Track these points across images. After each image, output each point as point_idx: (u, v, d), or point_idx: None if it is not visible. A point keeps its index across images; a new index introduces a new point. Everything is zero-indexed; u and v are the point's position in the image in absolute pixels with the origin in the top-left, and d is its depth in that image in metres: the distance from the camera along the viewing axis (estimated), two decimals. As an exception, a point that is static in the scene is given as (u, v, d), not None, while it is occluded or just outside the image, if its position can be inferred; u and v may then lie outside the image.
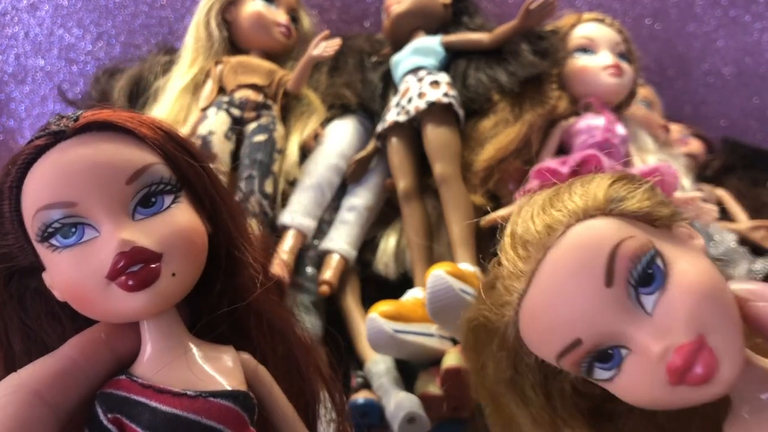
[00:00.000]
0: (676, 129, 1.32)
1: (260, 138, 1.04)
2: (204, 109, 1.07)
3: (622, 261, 0.41)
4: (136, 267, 0.36)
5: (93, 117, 0.39)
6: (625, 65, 1.08)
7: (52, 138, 0.38)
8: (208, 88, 1.10)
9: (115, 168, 0.37)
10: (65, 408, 0.36)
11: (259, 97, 1.09)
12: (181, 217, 0.38)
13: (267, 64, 1.14)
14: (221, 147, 1.03)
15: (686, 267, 0.42)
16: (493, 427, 0.56)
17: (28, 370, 0.36)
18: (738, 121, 1.33)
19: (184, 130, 1.04)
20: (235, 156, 1.04)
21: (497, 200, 1.03)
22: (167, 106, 1.09)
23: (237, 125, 1.06)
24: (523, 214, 0.47)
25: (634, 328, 0.41)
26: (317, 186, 1.03)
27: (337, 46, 1.10)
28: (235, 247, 0.43)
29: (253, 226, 0.47)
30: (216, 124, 1.04)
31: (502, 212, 0.99)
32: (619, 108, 1.10)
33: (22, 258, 0.40)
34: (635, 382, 0.41)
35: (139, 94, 1.18)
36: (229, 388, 0.37)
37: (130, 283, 0.36)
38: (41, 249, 0.38)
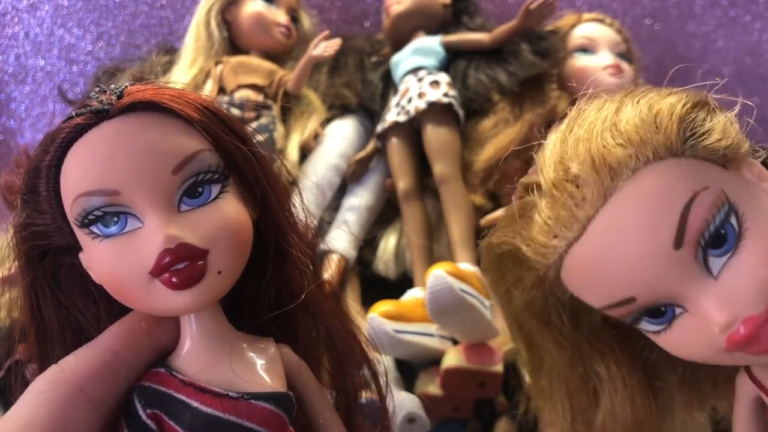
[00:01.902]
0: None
1: (260, 138, 1.04)
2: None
3: (695, 220, 0.36)
4: (181, 264, 0.34)
5: (138, 96, 0.36)
6: (624, 65, 1.08)
7: (94, 117, 0.36)
8: (208, 89, 1.10)
9: (162, 156, 0.35)
10: (108, 402, 0.35)
11: (259, 97, 1.09)
12: (229, 209, 0.36)
13: (267, 64, 1.14)
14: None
15: (760, 228, 0.37)
16: (519, 345, 0.52)
17: (69, 364, 0.35)
18: (738, 121, 1.32)
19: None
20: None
21: (497, 200, 1.03)
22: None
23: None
24: (576, 136, 0.41)
25: (696, 291, 0.37)
26: (317, 186, 1.03)
27: (337, 47, 1.10)
28: (284, 239, 0.41)
29: (301, 216, 0.44)
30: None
31: (502, 212, 1.00)
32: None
33: (59, 238, 0.38)
34: (686, 341, 0.38)
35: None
36: (271, 390, 0.36)
37: (175, 280, 0.34)
38: (80, 233, 0.36)
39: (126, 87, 0.38)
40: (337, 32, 1.20)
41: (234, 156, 0.38)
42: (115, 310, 0.39)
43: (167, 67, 1.17)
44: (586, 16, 1.14)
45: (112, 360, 0.35)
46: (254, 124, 1.06)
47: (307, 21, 1.24)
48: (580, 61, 1.09)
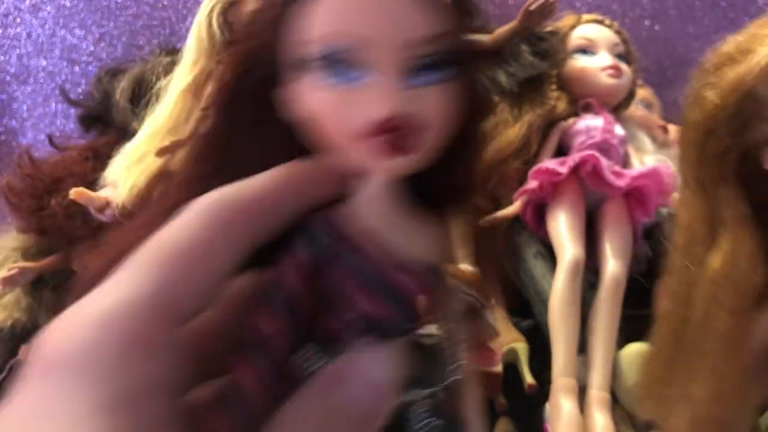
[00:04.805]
0: (674, 130, 1.32)
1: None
2: (206, 110, 1.07)
3: None
4: (396, 133, 0.34)
5: None
6: (624, 66, 1.09)
7: None
8: (210, 90, 1.11)
9: (415, 26, 0.34)
10: (261, 236, 0.33)
11: (260, 98, 1.09)
12: (450, 95, 0.36)
13: (268, 65, 1.14)
14: (223, 147, 1.03)
15: None
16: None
17: (224, 194, 0.33)
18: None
19: (186, 132, 1.05)
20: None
21: (497, 200, 1.04)
22: (169, 106, 1.10)
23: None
24: None
25: None
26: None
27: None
28: (473, 147, 0.41)
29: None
30: (217, 124, 1.05)
31: (502, 213, 1.00)
32: (617, 109, 1.11)
33: (268, 67, 0.37)
34: None
35: (142, 95, 1.19)
36: (426, 259, 0.37)
37: (386, 147, 0.34)
38: (306, 72, 0.35)
39: None
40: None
41: (464, 50, 0.38)
42: (289, 149, 0.38)
43: (169, 68, 1.18)
44: (586, 17, 1.15)
45: (277, 199, 0.34)
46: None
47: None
48: (579, 62, 1.09)
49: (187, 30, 1.19)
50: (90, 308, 0.25)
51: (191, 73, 1.13)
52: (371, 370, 0.30)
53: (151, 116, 1.11)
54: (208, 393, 0.29)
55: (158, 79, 1.17)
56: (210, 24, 1.15)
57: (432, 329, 0.37)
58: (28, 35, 1.39)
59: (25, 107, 1.37)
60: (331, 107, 0.34)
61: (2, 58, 1.38)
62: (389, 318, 0.34)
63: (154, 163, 1.04)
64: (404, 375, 0.32)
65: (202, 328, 0.30)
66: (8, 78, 1.37)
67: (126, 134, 1.12)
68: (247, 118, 0.39)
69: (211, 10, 1.16)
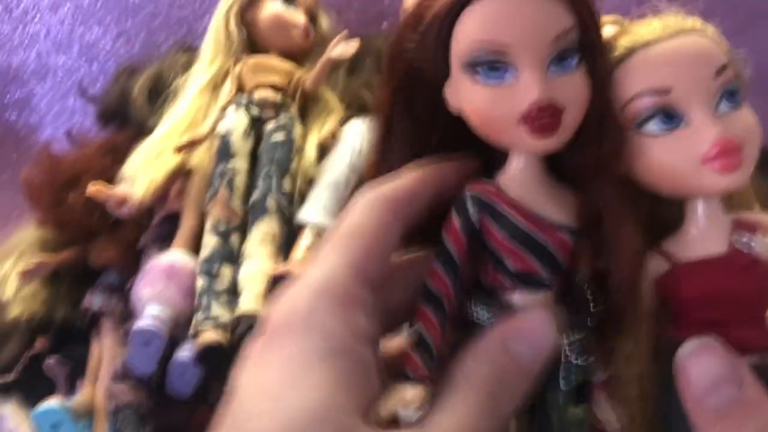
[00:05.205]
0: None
1: (278, 137, 1.05)
2: (223, 109, 1.08)
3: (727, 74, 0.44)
4: (545, 116, 0.39)
5: None
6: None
7: None
8: (227, 88, 1.11)
9: (550, 24, 0.40)
10: (411, 219, 0.39)
11: (277, 97, 1.10)
12: (582, 81, 0.41)
13: (285, 64, 1.14)
14: (240, 146, 1.04)
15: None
16: None
17: (382, 189, 0.39)
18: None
19: (203, 129, 1.06)
20: (254, 155, 1.05)
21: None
22: (187, 104, 1.11)
23: (256, 124, 1.07)
24: None
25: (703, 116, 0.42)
26: (335, 184, 1.04)
27: (356, 48, 1.11)
28: (605, 127, 0.44)
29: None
30: (235, 123, 1.06)
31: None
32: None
33: (434, 70, 0.42)
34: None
35: (159, 93, 1.19)
36: (569, 224, 0.41)
37: (538, 129, 0.39)
38: (461, 73, 0.41)
39: None
40: (356, 33, 1.20)
41: (588, 43, 0.42)
42: (438, 137, 0.44)
43: (187, 66, 1.19)
44: (604, 19, 1.14)
45: (419, 194, 0.40)
46: (272, 123, 1.07)
47: (325, 22, 1.25)
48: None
49: (205, 28, 1.20)
50: (305, 283, 0.33)
51: (209, 70, 1.13)
52: (534, 329, 0.36)
53: (168, 113, 1.11)
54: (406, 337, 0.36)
55: (176, 77, 1.18)
56: (227, 23, 1.16)
57: (575, 280, 0.41)
58: (48, 32, 1.40)
59: (44, 103, 1.38)
60: (486, 103, 0.40)
61: (22, 54, 1.39)
62: (538, 272, 0.39)
63: (171, 160, 1.05)
64: (558, 323, 0.37)
65: (394, 288, 0.38)
66: (27, 75, 1.38)
67: (143, 131, 1.13)
68: (416, 113, 0.45)
69: (229, 9, 1.16)
